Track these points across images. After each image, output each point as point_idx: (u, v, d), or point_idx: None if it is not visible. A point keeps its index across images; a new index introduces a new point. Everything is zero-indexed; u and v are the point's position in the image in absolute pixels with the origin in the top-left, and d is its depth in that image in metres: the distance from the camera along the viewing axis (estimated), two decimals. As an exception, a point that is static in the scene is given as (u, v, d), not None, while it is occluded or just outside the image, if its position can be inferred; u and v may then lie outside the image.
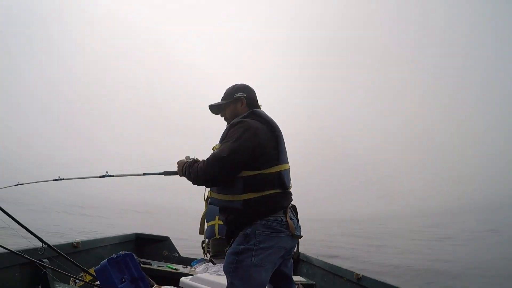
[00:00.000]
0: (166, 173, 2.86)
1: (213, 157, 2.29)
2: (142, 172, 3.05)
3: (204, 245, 4.59)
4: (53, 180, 3.32)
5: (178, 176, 2.70)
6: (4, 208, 2.41)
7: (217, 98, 2.73)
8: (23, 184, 3.15)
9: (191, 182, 2.45)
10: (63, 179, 3.35)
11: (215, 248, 4.02)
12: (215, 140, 2.56)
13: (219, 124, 2.71)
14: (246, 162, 2.28)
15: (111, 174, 3.14)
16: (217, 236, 4.16)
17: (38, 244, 2.65)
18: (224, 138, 2.40)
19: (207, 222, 4.06)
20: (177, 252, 5.21)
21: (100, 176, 3.16)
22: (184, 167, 2.49)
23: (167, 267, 4.34)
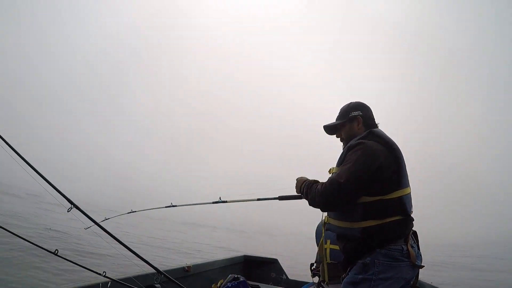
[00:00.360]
0: (281, 198, 2.81)
1: (330, 182, 2.18)
2: (256, 198, 3.03)
3: (313, 267, 4.50)
4: (166, 207, 3.43)
5: (292, 199, 2.68)
6: (119, 238, 2.57)
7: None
8: (136, 211, 3.29)
9: (307, 202, 2.39)
10: (176, 205, 3.44)
11: (332, 272, 3.90)
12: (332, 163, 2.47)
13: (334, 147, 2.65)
14: (365, 187, 2.13)
15: (225, 200, 3.17)
16: (328, 260, 4.05)
17: (151, 270, 2.75)
18: (342, 161, 2.28)
19: (331, 245, 3.98)
20: (285, 275, 5.13)
21: (213, 202, 3.20)
22: (303, 185, 2.43)
23: (275, 290, 4.28)
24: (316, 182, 2.38)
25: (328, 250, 4.01)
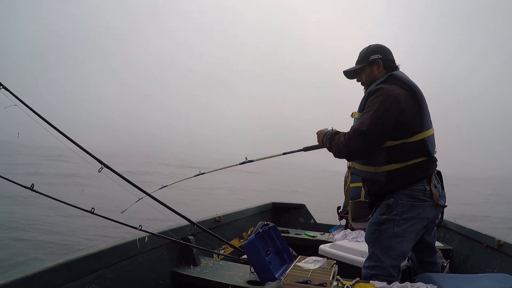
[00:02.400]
0: (306, 149, 2.84)
1: (353, 132, 2.19)
2: (281, 152, 3.08)
3: (340, 210, 4.60)
4: (195, 175, 3.49)
5: (318, 149, 2.71)
6: (157, 198, 2.68)
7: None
8: (167, 186, 3.35)
9: (332, 154, 2.42)
10: (204, 173, 3.51)
11: (357, 212, 3.96)
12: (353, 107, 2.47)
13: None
14: (388, 133, 2.14)
15: (251, 159, 3.23)
16: (362, 198, 4.14)
17: (185, 223, 2.86)
18: (363, 107, 2.27)
19: (351, 184, 4.04)
20: (313, 219, 5.25)
21: (240, 164, 3.26)
22: (325, 138, 2.44)
23: (304, 234, 4.40)
24: (337, 133, 2.38)
25: (363, 189, 4.12)
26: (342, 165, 4.16)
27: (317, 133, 2.62)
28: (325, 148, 2.51)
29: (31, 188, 1.97)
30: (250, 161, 3.24)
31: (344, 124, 2.57)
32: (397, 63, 2.48)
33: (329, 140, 2.40)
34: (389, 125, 2.14)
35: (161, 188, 3.19)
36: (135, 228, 2.37)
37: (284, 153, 3.09)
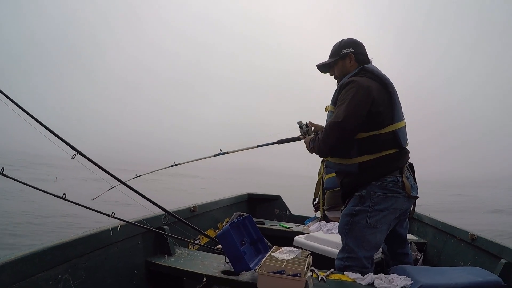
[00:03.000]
0: (280, 142, 2.86)
1: (329, 126, 2.22)
2: (256, 145, 3.09)
3: (315, 202, 4.64)
4: (170, 166, 3.48)
5: (292, 142, 2.74)
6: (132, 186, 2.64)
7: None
8: (140, 175, 3.30)
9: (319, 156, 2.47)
10: (179, 164, 3.49)
11: (332, 200, 3.99)
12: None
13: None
14: (362, 124, 2.18)
15: (225, 151, 3.22)
16: (321, 188, 4.20)
17: (160, 213, 2.83)
18: (336, 100, 2.31)
19: (327, 174, 4.07)
20: (289, 211, 5.30)
21: (215, 155, 3.26)
22: (310, 143, 2.47)
23: (280, 225, 4.42)
24: (318, 134, 2.41)
25: (320, 181, 4.19)
26: (316, 170, 4.21)
27: (304, 142, 2.63)
28: (306, 149, 2.55)
29: (1, 173, 1.91)
30: (224, 153, 3.23)
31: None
32: (369, 57, 2.51)
33: (312, 141, 2.43)
34: (362, 115, 2.17)
35: (135, 177, 3.15)
36: (108, 215, 2.33)
37: (258, 146, 3.10)
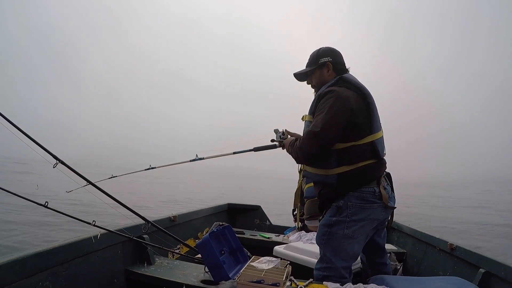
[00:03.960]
0: (256, 149, 2.87)
1: (307, 135, 2.23)
2: (232, 152, 3.08)
3: (295, 213, 4.67)
4: (145, 169, 3.44)
5: (268, 150, 2.76)
6: (111, 194, 2.64)
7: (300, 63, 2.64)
8: (116, 176, 3.29)
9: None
10: (155, 167, 3.47)
11: (312, 210, 4.01)
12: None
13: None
14: (340, 134, 2.19)
15: (201, 157, 3.20)
16: (298, 197, 4.24)
17: (140, 222, 2.83)
18: (314, 110, 2.31)
19: (306, 184, 4.09)
20: (269, 221, 5.32)
21: (191, 160, 3.24)
22: (290, 145, 2.47)
23: (259, 235, 4.43)
24: (297, 139, 2.43)
25: (298, 191, 4.23)
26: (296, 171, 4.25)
27: (284, 143, 2.64)
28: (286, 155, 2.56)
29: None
30: (200, 159, 3.20)
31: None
32: (347, 66, 2.53)
33: (291, 146, 2.44)
34: (341, 125, 2.19)
35: (110, 178, 3.14)
36: (89, 223, 2.34)
37: (234, 152, 3.10)
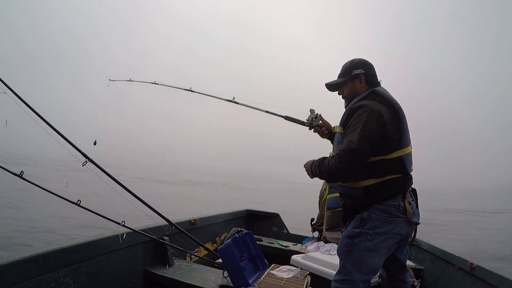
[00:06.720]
0: (287, 118, 2.86)
1: (344, 152, 2.19)
2: (265, 109, 3.06)
3: (313, 223, 4.63)
4: (185, 89, 3.54)
5: (298, 123, 2.76)
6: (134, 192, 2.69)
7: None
8: (158, 84, 3.47)
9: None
10: (194, 91, 3.51)
11: (334, 220, 3.94)
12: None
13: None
14: (374, 149, 2.18)
15: (237, 101, 3.24)
16: (325, 209, 4.18)
17: (160, 223, 2.88)
18: (347, 124, 2.30)
19: (330, 194, 4.03)
20: (286, 229, 5.32)
21: (228, 100, 3.28)
22: (313, 167, 2.43)
23: (277, 243, 4.43)
24: (324, 158, 2.40)
25: (324, 201, 4.16)
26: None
27: (304, 167, 2.59)
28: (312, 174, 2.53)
29: (20, 176, 1.98)
30: (236, 102, 3.24)
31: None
32: (379, 79, 2.52)
33: (318, 167, 2.39)
34: (376, 140, 2.18)
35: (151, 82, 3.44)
36: (118, 223, 2.39)
37: (267, 111, 3.06)
